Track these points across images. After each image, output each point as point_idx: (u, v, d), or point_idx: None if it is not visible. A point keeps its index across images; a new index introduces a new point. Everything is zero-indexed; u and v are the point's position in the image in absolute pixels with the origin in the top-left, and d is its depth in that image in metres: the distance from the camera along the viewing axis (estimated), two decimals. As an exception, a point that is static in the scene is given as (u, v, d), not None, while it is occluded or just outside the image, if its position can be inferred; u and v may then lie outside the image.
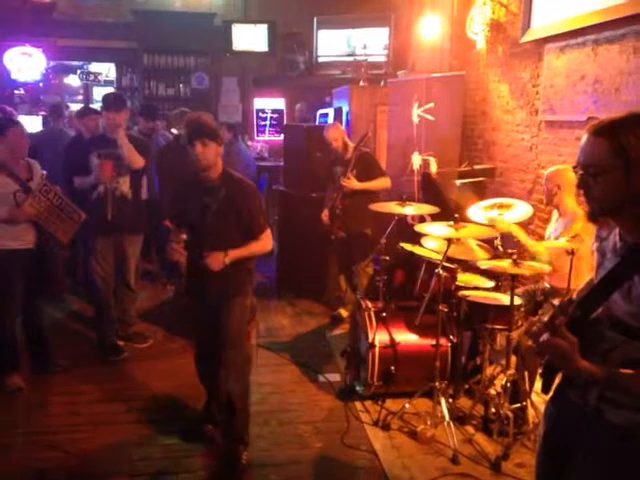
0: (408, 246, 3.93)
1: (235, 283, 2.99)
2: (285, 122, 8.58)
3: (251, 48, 8.54)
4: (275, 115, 8.91)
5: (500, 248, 3.61)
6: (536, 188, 4.68)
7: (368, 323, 3.71)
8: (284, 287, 5.75)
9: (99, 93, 8.86)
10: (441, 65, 6.47)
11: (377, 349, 3.62)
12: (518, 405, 3.31)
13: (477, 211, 3.79)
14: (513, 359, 3.36)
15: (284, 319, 5.21)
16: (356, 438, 3.34)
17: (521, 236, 3.55)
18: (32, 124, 7.16)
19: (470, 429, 3.42)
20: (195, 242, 2.89)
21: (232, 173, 2.99)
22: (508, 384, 3.25)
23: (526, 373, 3.39)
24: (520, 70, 5.00)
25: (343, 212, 4.89)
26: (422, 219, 4.67)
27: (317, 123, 7.29)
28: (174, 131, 5.89)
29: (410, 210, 4.00)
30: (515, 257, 3.19)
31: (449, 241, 3.41)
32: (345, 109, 6.54)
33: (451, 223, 3.43)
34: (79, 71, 9.13)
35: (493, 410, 3.34)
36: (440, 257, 3.47)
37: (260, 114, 8.91)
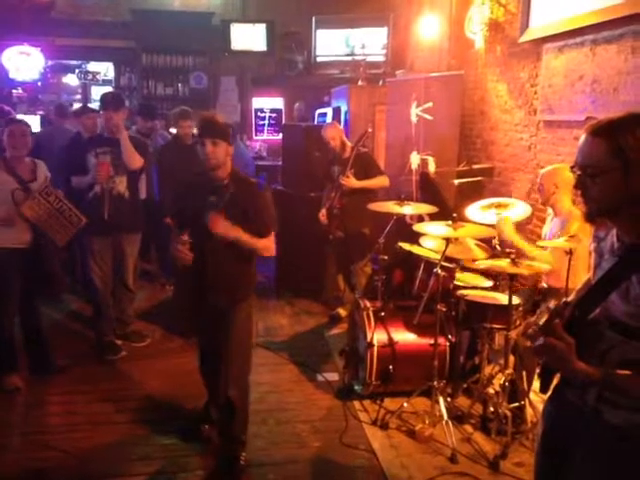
0: (406, 245, 3.93)
1: (241, 287, 2.98)
2: (284, 122, 8.57)
3: (249, 48, 8.53)
4: (273, 115, 8.91)
5: (498, 247, 3.61)
6: (534, 188, 4.68)
7: (366, 322, 3.71)
8: (283, 286, 5.75)
9: (97, 92, 8.84)
10: (439, 65, 6.47)
11: (375, 348, 3.62)
12: (516, 404, 3.31)
13: (475, 211, 3.79)
14: (511, 358, 3.36)
15: (282, 318, 5.21)
16: (354, 437, 3.35)
17: (525, 247, 3.48)
18: (30, 123, 7.13)
19: (468, 428, 3.42)
20: (198, 242, 2.81)
21: (241, 173, 2.98)
22: (506, 383, 3.26)
23: (524, 372, 3.40)
24: (518, 70, 5.01)
25: (341, 211, 4.89)
26: (420, 218, 4.67)
27: (316, 123, 7.29)
28: (173, 130, 5.88)
29: (408, 209, 4.01)
30: (513, 256, 3.19)
31: (447, 240, 3.41)
32: (344, 109, 6.54)
33: (449, 223, 3.43)
34: (77, 70, 9.12)
35: (491, 409, 3.35)
36: (438, 256, 3.47)
37: (259, 114, 8.90)
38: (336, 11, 7.82)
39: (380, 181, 4.91)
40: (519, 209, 3.76)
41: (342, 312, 5.11)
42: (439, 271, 3.39)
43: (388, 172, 5.19)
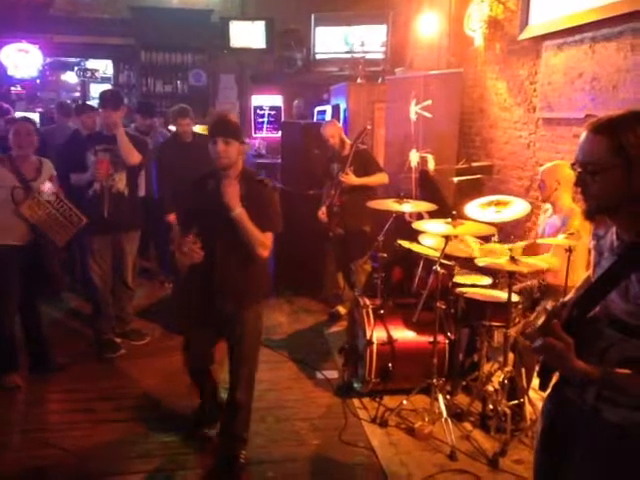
0: (406, 243, 3.93)
1: (250, 292, 2.91)
2: (283, 119, 8.57)
3: (248, 45, 8.52)
4: (273, 112, 8.89)
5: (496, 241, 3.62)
6: (534, 185, 4.68)
7: (366, 320, 3.71)
8: (282, 284, 5.74)
9: (96, 90, 8.83)
10: (439, 62, 6.46)
11: (375, 346, 3.62)
12: (515, 402, 3.32)
13: (474, 208, 3.79)
14: (510, 356, 3.37)
15: (282, 316, 5.21)
16: (354, 435, 3.35)
17: (544, 263, 3.41)
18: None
19: (468, 426, 3.42)
20: (207, 243, 2.70)
21: (252, 172, 2.93)
22: (505, 381, 3.26)
23: (523, 370, 3.40)
24: (518, 67, 5.00)
25: (341, 209, 4.89)
26: (420, 216, 4.67)
27: (315, 120, 7.28)
28: (172, 128, 5.87)
29: (408, 207, 4.01)
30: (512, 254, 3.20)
31: (447, 238, 3.41)
32: (343, 106, 6.54)
33: (449, 220, 3.43)
34: (76, 68, 9.11)
35: (491, 407, 3.35)
36: (438, 254, 3.47)
37: (258, 111, 8.89)
38: (335, 8, 7.81)
39: (379, 178, 4.91)
40: (518, 207, 3.76)
41: (341, 310, 5.11)
42: (438, 269, 3.39)
43: (387, 170, 5.18)
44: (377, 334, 3.66)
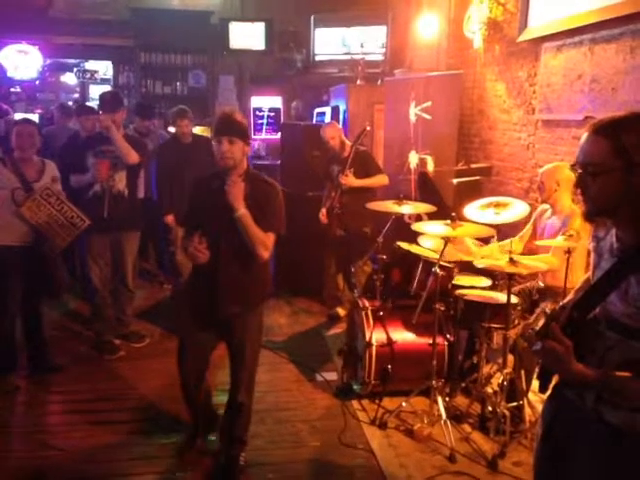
0: (405, 245, 3.93)
1: (253, 296, 2.89)
2: (282, 120, 8.57)
3: (248, 46, 8.51)
4: (272, 114, 8.89)
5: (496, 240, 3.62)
6: (533, 187, 4.69)
7: (365, 322, 3.71)
8: (281, 286, 5.73)
9: (96, 91, 8.84)
10: (438, 64, 6.47)
11: (374, 348, 3.62)
12: (515, 404, 3.32)
13: (474, 210, 3.79)
14: (510, 358, 3.37)
15: (281, 318, 5.21)
16: (353, 437, 3.35)
17: (545, 263, 3.39)
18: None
19: (467, 427, 3.42)
20: (210, 241, 2.66)
21: (257, 172, 2.90)
22: (505, 383, 3.26)
23: (523, 372, 3.40)
24: (517, 69, 5.01)
25: (342, 211, 4.88)
26: (419, 218, 4.67)
27: (314, 122, 7.28)
28: (171, 129, 5.87)
29: (407, 209, 4.01)
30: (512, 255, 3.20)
31: (446, 240, 3.41)
32: (342, 107, 6.54)
33: (448, 222, 3.43)
34: (76, 69, 9.11)
35: (490, 408, 3.35)
36: (437, 256, 3.47)
37: (257, 112, 8.88)
38: (335, 10, 7.80)
39: (379, 179, 4.91)
40: (517, 208, 3.76)
41: (341, 311, 5.11)
42: (437, 270, 3.39)
43: (387, 171, 5.18)
44: (376, 336, 3.66)
